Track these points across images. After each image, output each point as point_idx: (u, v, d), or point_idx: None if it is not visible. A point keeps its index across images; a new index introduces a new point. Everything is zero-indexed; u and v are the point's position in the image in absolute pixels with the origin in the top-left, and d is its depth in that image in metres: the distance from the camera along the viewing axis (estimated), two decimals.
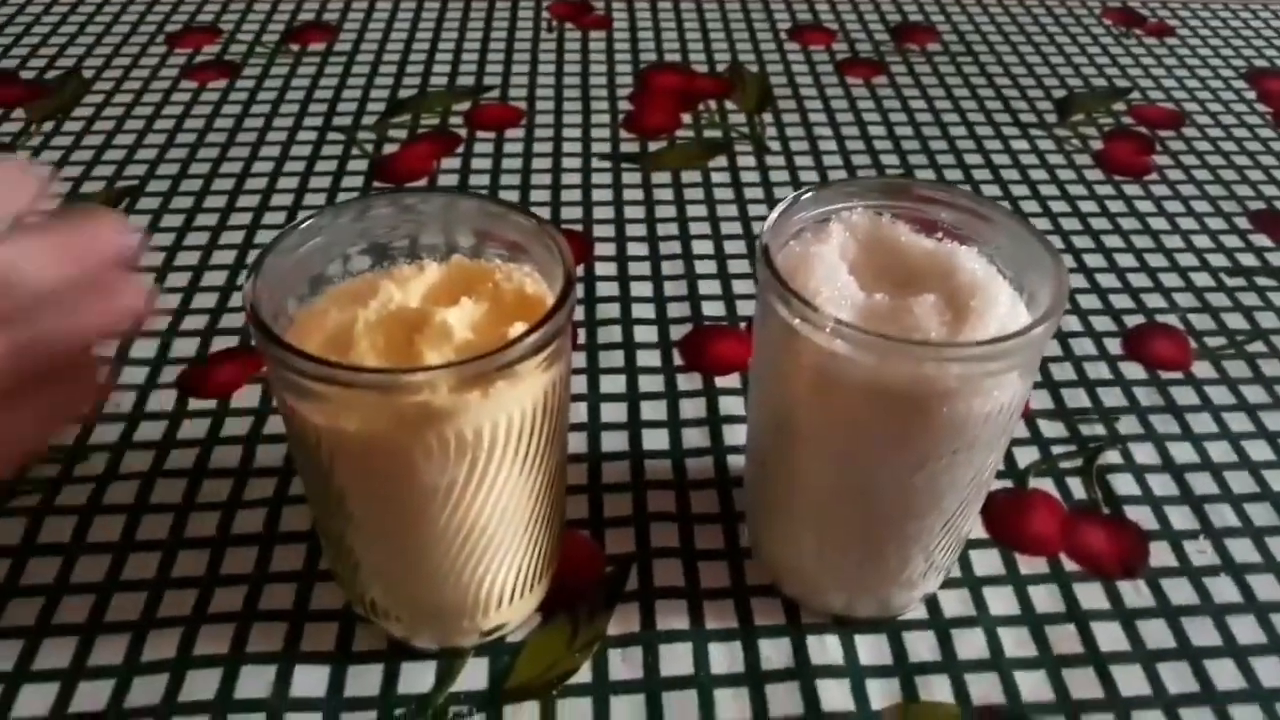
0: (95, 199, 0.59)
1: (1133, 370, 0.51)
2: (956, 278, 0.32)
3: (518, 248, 0.34)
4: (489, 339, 0.30)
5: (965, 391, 0.30)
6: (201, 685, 0.36)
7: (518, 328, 0.30)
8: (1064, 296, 0.31)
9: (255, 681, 0.36)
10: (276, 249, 0.32)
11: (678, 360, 0.50)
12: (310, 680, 0.36)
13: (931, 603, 0.39)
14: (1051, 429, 0.47)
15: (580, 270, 0.55)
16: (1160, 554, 0.42)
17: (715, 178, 0.63)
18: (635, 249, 0.57)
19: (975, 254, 0.34)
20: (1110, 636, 0.39)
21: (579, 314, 0.52)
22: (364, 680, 0.36)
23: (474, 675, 0.36)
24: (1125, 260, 0.58)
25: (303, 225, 0.33)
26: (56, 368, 0.30)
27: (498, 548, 0.33)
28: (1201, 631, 0.39)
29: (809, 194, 0.34)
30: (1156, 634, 0.39)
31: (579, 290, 0.53)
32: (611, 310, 0.53)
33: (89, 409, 0.41)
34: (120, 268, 0.30)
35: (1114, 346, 0.52)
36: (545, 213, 0.59)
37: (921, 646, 0.38)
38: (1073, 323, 0.53)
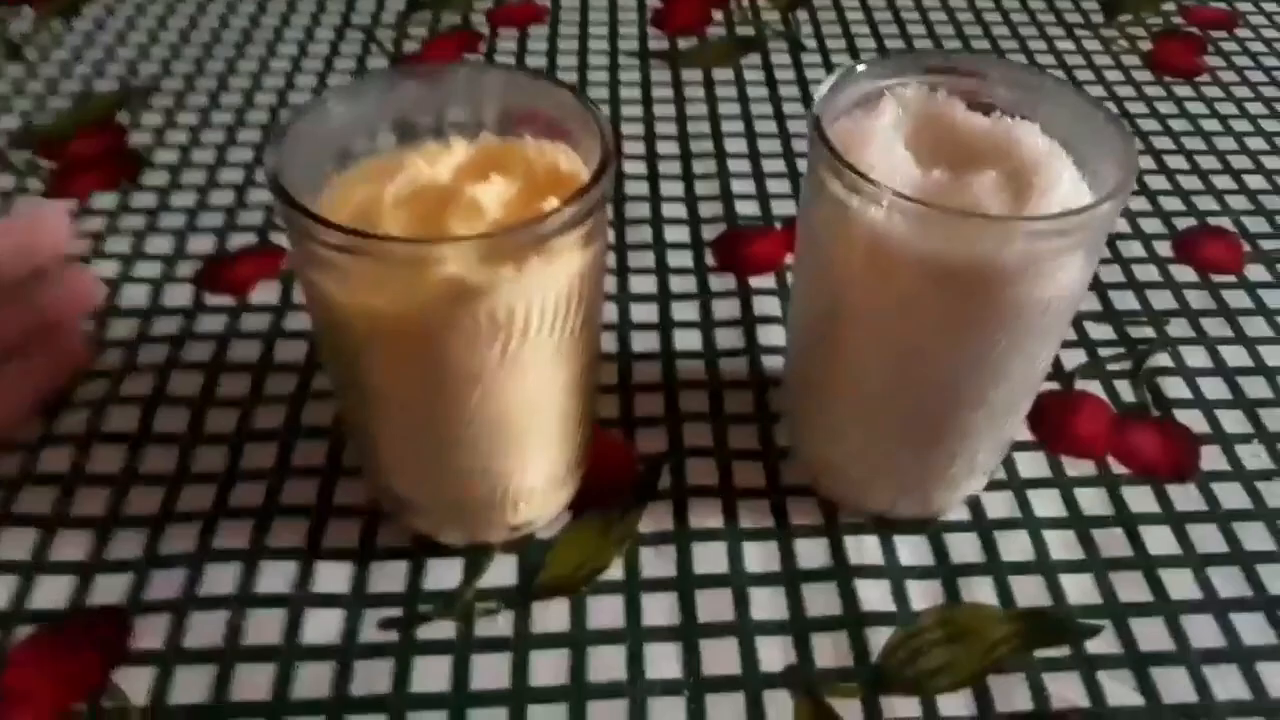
0: (109, 99, 0.58)
1: (1183, 273, 0.49)
2: (1017, 155, 0.30)
3: (552, 124, 0.33)
4: (523, 217, 0.28)
5: (1027, 272, 0.28)
6: (221, 579, 0.35)
7: (552, 201, 0.28)
8: (1133, 173, 0.29)
9: (276, 577, 0.35)
10: (301, 118, 0.30)
11: (710, 261, 0.48)
12: (333, 576, 0.35)
13: (974, 504, 0.38)
14: (1099, 331, 0.45)
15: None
16: (1211, 457, 0.40)
17: (748, 75, 0.60)
18: (665, 148, 0.55)
19: (1036, 130, 0.32)
20: (1160, 540, 0.37)
21: (608, 213, 0.50)
22: (388, 576, 0.35)
23: (502, 571, 0.35)
24: (1175, 162, 0.55)
25: (329, 97, 0.31)
26: (22, 345, 0.34)
27: (528, 439, 0.32)
28: (1254, 536, 0.38)
29: (862, 68, 0.32)
30: (1208, 538, 0.38)
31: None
32: (641, 210, 0.51)
33: (64, 379, 0.41)
34: (62, 257, 0.35)
35: (1164, 249, 0.50)
36: None
37: (964, 548, 0.37)
38: (1121, 225, 0.51)
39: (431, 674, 0.33)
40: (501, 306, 0.28)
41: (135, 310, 0.44)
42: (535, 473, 0.34)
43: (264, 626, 0.34)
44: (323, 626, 0.34)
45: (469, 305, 0.27)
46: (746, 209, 0.51)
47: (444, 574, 0.35)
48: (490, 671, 0.33)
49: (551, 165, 0.31)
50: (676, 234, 0.50)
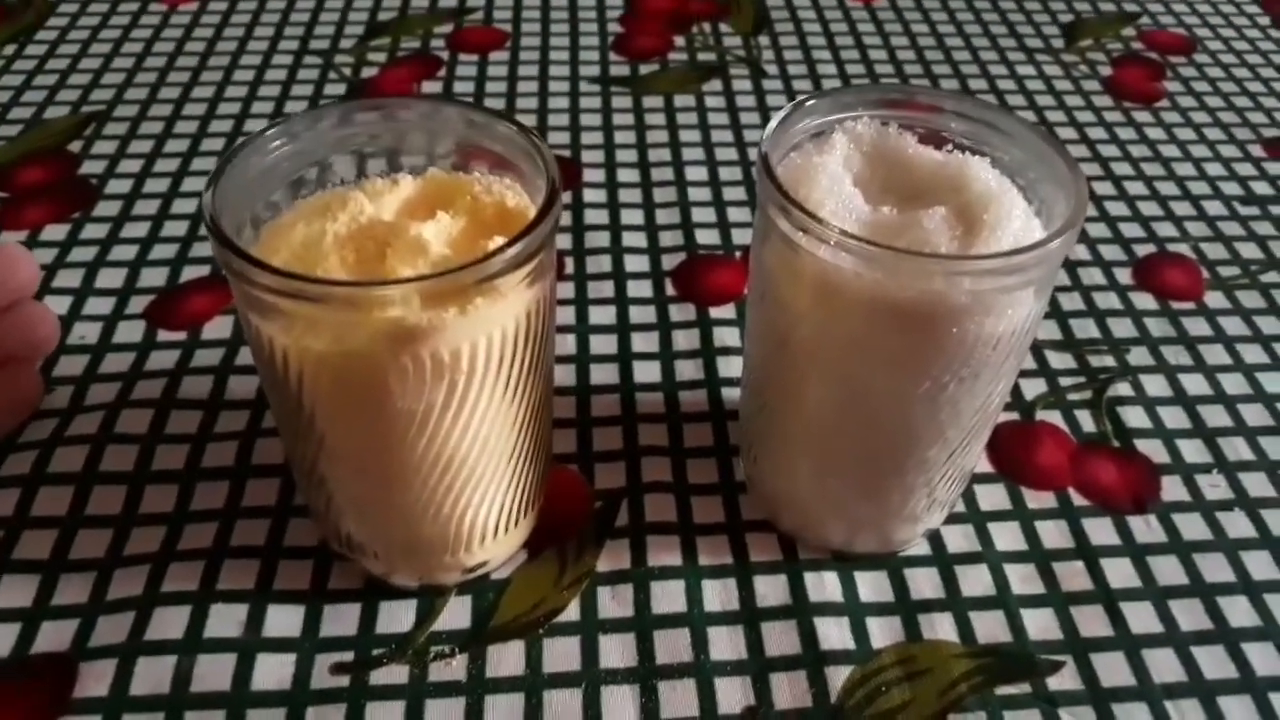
0: (60, 124, 0.57)
1: (1143, 300, 0.49)
2: (968, 190, 0.30)
3: (499, 160, 0.32)
4: (466, 255, 0.28)
5: (977, 310, 0.28)
6: (169, 624, 0.34)
7: (497, 240, 0.27)
8: (1083, 208, 0.29)
9: (226, 621, 0.34)
10: (238, 157, 0.29)
11: (670, 290, 0.48)
12: (284, 619, 0.34)
13: (935, 538, 0.38)
14: (1060, 360, 0.45)
15: (568, 197, 0.53)
16: (1172, 488, 0.40)
17: (709, 102, 0.60)
18: (626, 175, 0.55)
19: (987, 165, 0.31)
20: (1121, 573, 0.37)
21: (567, 243, 0.50)
22: (340, 619, 0.34)
23: (456, 614, 0.35)
24: (1135, 188, 0.56)
25: (266, 133, 0.30)
26: None
27: (479, 479, 0.32)
28: (1214, 567, 0.38)
29: (810, 102, 0.32)
30: (1168, 570, 0.37)
31: (566, 218, 0.51)
32: (601, 239, 0.51)
33: (16, 421, 0.40)
34: (24, 297, 0.33)
35: (1124, 276, 0.50)
36: None
37: (924, 583, 0.36)
38: (1081, 252, 0.51)
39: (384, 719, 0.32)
40: (445, 348, 0.27)
41: (84, 347, 0.44)
42: (488, 513, 0.33)
43: (213, 672, 0.33)
44: (273, 671, 0.33)
45: (411, 347, 0.27)
46: (707, 238, 0.51)
47: (397, 617, 0.35)
48: (444, 716, 0.32)
49: (498, 202, 0.31)
50: (636, 263, 0.49)
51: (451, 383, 0.28)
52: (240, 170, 0.29)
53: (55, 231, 0.50)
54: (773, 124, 0.31)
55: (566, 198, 0.52)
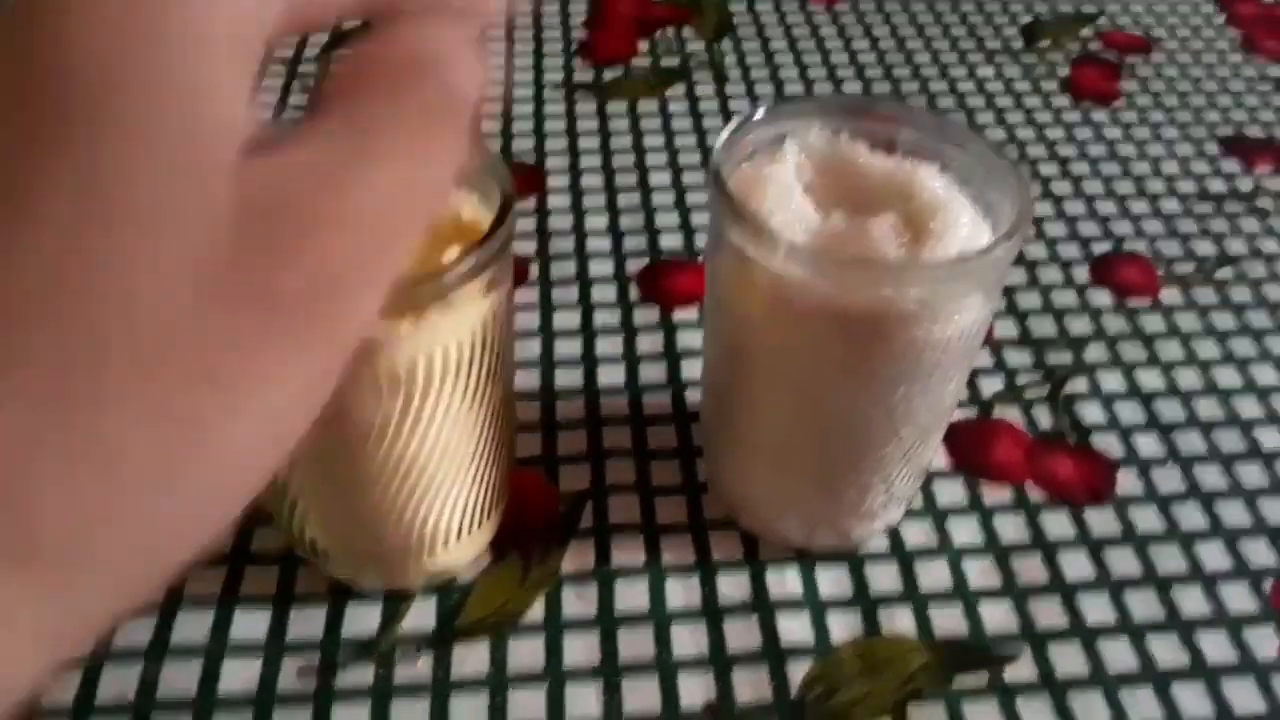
0: None
1: (1100, 298, 0.50)
2: (916, 198, 0.31)
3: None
4: (421, 267, 0.28)
5: (924, 316, 0.29)
6: (134, 631, 0.34)
7: (450, 252, 0.28)
8: (1028, 214, 0.29)
9: (192, 626, 0.34)
10: None
11: (634, 294, 0.48)
12: (250, 624, 0.35)
13: (893, 534, 0.39)
14: (1017, 357, 0.46)
15: (533, 203, 0.53)
16: (1127, 481, 0.41)
17: (673, 107, 0.61)
18: (590, 180, 0.55)
19: (935, 173, 0.32)
20: (1077, 565, 0.38)
21: (531, 248, 0.50)
22: (306, 623, 0.35)
23: (421, 616, 0.35)
24: (1092, 187, 0.57)
25: None
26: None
27: (439, 486, 0.32)
28: (1169, 559, 0.38)
29: (762, 113, 0.33)
30: (1124, 562, 0.38)
31: (531, 223, 0.51)
32: (566, 244, 0.51)
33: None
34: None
35: (1081, 274, 0.51)
36: (495, 145, 0.57)
37: (883, 578, 0.37)
38: (1039, 250, 0.52)
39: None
40: (401, 361, 0.27)
41: None
42: (450, 517, 0.33)
43: (179, 677, 0.33)
44: (240, 675, 0.33)
45: (366, 361, 0.27)
46: (670, 242, 0.51)
47: (363, 619, 0.35)
48: (410, 716, 0.33)
49: (453, 214, 0.31)
50: (601, 267, 0.50)
51: (407, 395, 0.28)
52: None
53: None
54: (724, 135, 0.31)
55: (531, 203, 0.53)
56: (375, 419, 0.28)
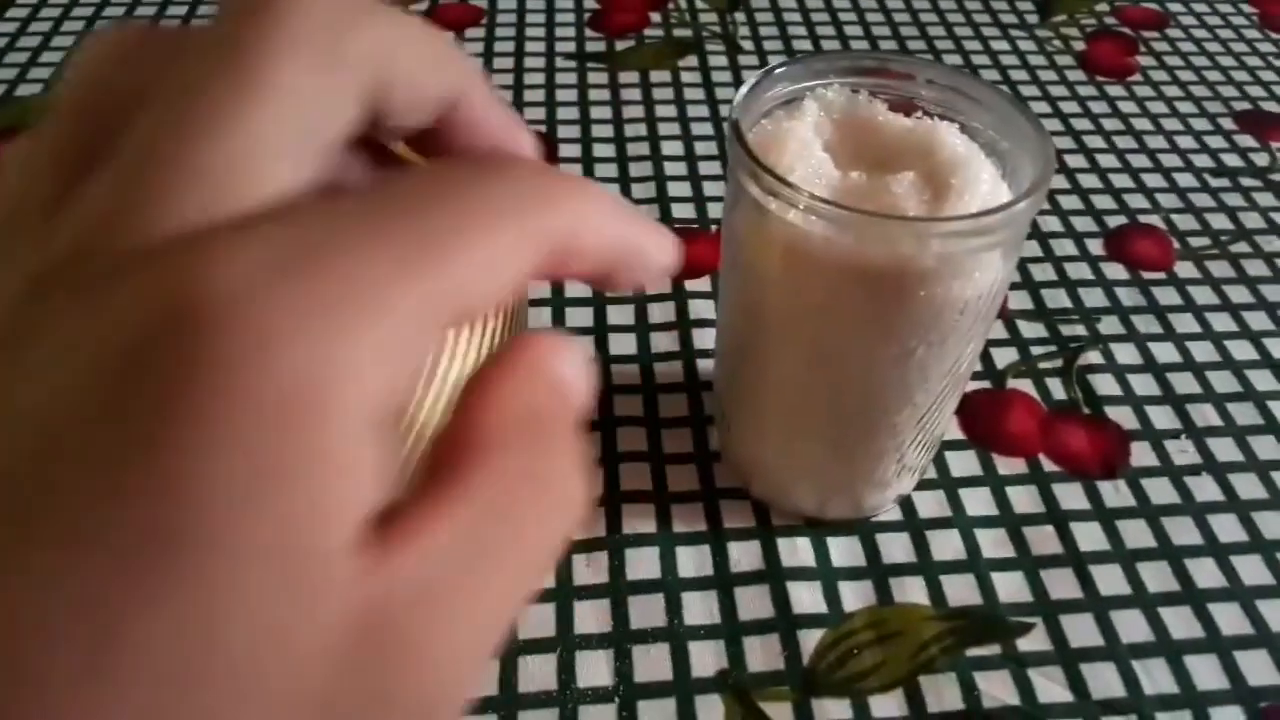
0: (31, 103, 0.56)
1: (1114, 270, 0.49)
2: (936, 155, 0.30)
3: None
4: None
5: (945, 272, 0.28)
6: None
7: None
8: (1050, 171, 0.29)
9: None
10: None
11: None
12: None
13: (906, 504, 0.38)
14: (1031, 329, 0.46)
15: None
16: (1141, 454, 0.41)
17: (685, 78, 0.60)
18: (601, 150, 0.55)
19: (956, 131, 0.32)
20: (1090, 537, 0.38)
21: None
22: None
23: None
24: (1107, 161, 0.56)
25: None
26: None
27: None
28: (1182, 531, 0.38)
29: (781, 69, 0.32)
30: (1137, 534, 0.38)
31: None
32: None
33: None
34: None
35: (1095, 247, 0.50)
36: None
37: (895, 548, 0.37)
38: (1053, 223, 0.52)
39: None
40: None
41: None
42: None
43: None
44: None
45: None
46: (682, 212, 0.51)
47: None
48: None
49: None
50: None
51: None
52: None
53: None
54: (743, 90, 0.31)
55: None
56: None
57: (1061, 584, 0.36)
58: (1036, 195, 0.28)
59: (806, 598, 0.35)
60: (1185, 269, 0.49)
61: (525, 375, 0.18)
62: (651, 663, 0.33)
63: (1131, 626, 0.35)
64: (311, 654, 0.14)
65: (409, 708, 0.15)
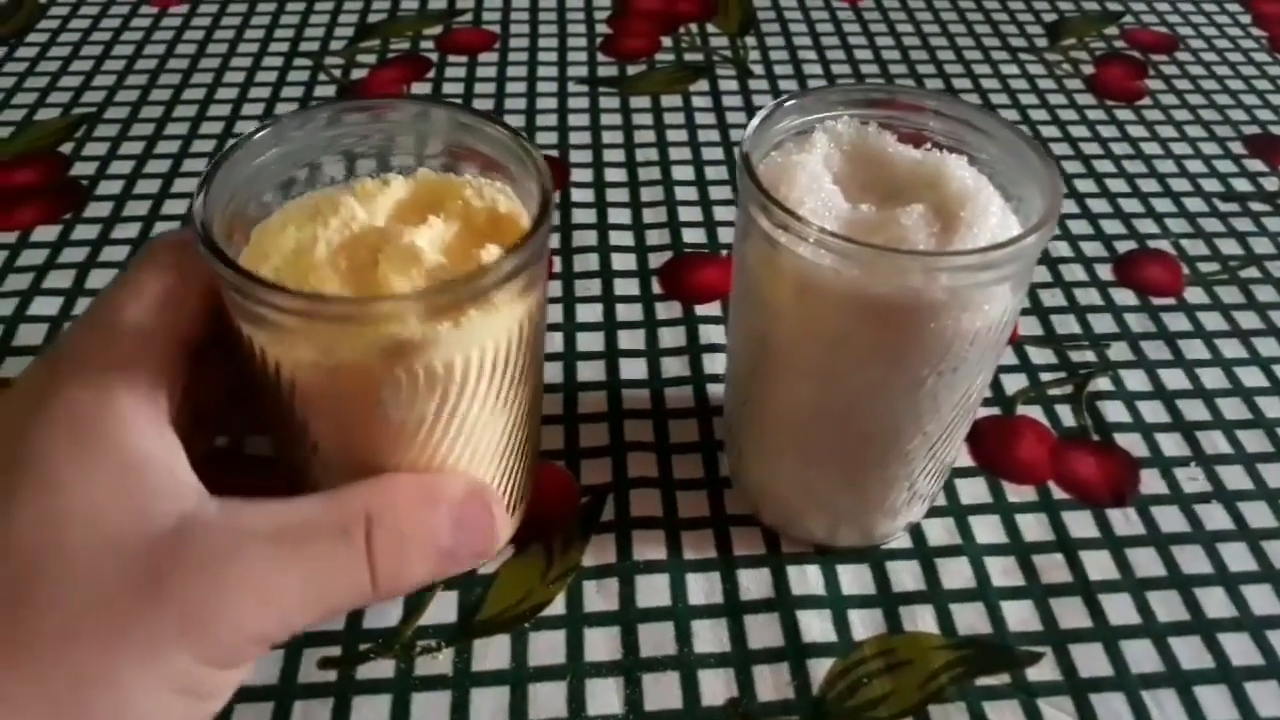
0: (51, 126, 0.57)
1: (1124, 296, 0.49)
2: (945, 188, 0.31)
3: (491, 163, 0.32)
4: (460, 262, 0.28)
5: (954, 305, 0.28)
6: None
7: (491, 251, 0.28)
8: (1058, 204, 0.29)
9: None
10: (228, 161, 0.29)
11: (656, 289, 0.48)
12: None
13: (915, 532, 0.38)
14: (1040, 355, 0.46)
15: (556, 197, 0.53)
16: (1151, 481, 0.41)
17: (696, 102, 0.61)
18: (613, 175, 0.55)
19: (964, 163, 0.32)
20: (1099, 565, 0.38)
21: (555, 242, 0.50)
22: None
23: (443, 609, 0.35)
24: (1117, 185, 0.56)
25: (256, 136, 0.30)
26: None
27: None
28: (1192, 560, 0.38)
29: (792, 101, 0.32)
30: (1146, 562, 0.38)
31: (554, 217, 0.51)
32: (588, 238, 0.51)
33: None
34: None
35: (1104, 272, 0.51)
36: None
37: (905, 576, 0.37)
38: (1063, 248, 0.52)
39: (371, 713, 0.32)
40: (439, 360, 0.27)
41: None
42: None
43: None
44: (261, 667, 0.33)
45: (405, 359, 0.27)
46: (693, 236, 0.51)
47: (384, 611, 0.35)
48: (430, 710, 0.33)
49: (490, 206, 0.31)
50: (623, 262, 0.50)
51: (444, 393, 0.28)
52: (230, 174, 0.29)
53: (46, 233, 0.50)
54: (754, 123, 0.31)
55: (554, 197, 0.53)
56: (410, 417, 0.28)
57: (1071, 613, 0.36)
58: (1045, 229, 0.28)
59: (816, 626, 0.35)
60: (1195, 294, 0.50)
61: (445, 505, 0.29)
62: (662, 691, 0.33)
63: (1141, 656, 0.35)
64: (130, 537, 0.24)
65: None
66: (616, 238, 0.51)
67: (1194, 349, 0.47)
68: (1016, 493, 0.40)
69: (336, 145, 0.32)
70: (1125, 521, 0.39)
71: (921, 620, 0.36)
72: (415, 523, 0.28)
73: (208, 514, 0.25)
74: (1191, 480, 0.41)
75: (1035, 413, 0.43)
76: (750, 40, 0.67)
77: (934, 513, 0.39)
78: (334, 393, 0.28)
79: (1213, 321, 0.48)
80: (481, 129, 0.32)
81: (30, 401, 0.26)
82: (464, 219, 0.31)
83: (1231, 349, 0.47)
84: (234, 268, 0.26)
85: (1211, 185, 0.56)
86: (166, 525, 0.25)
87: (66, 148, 0.56)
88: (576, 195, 0.53)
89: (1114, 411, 0.43)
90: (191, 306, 0.28)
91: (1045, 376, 0.45)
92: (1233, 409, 0.44)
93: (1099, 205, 0.55)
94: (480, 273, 0.27)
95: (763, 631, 0.35)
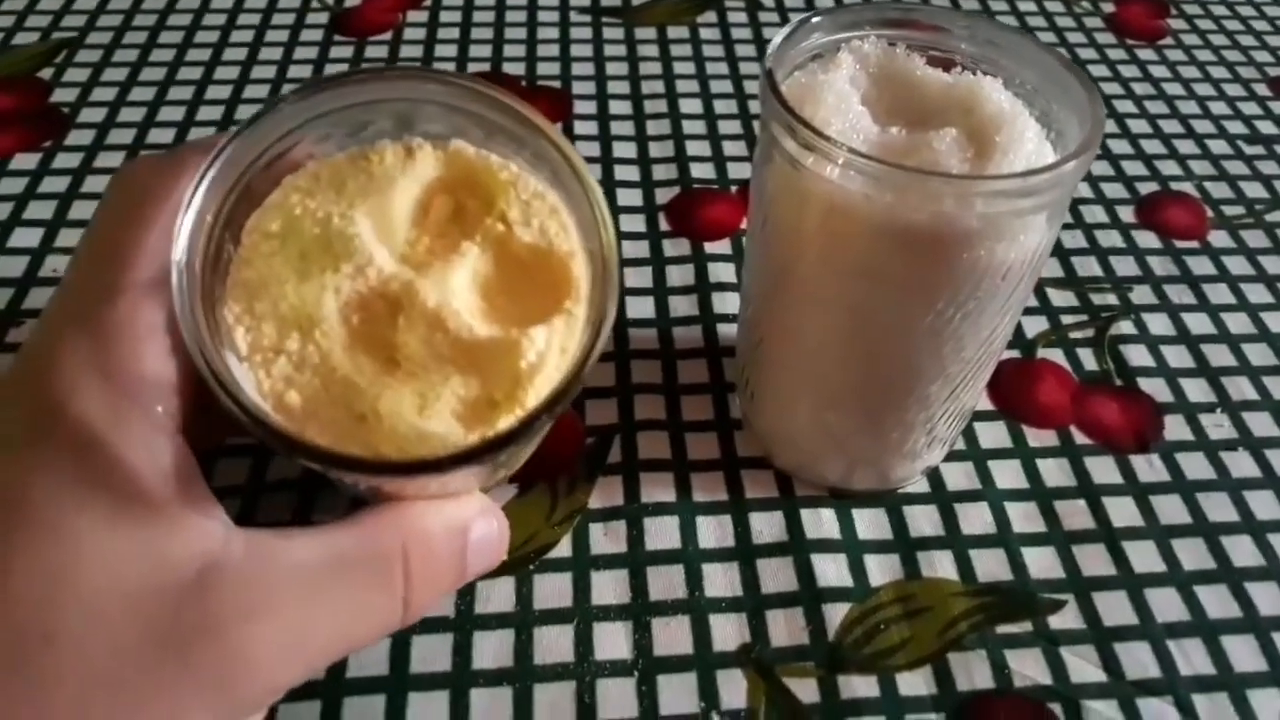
0: (29, 50, 0.55)
1: (1146, 239, 0.48)
2: (979, 112, 0.29)
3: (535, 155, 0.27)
4: (496, 315, 0.25)
5: (988, 234, 0.27)
6: None
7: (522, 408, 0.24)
8: (1100, 130, 0.27)
9: None
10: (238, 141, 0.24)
11: (664, 225, 0.47)
12: None
13: (934, 476, 0.37)
14: (1061, 298, 0.44)
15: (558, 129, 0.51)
16: (1175, 427, 0.39)
17: (704, 34, 0.59)
18: (618, 108, 0.53)
19: (999, 85, 0.30)
20: (1123, 512, 0.37)
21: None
22: None
23: None
24: (1138, 126, 0.54)
25: (267, 112, 0.25)
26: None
27: None
28: (1218, 507, 0.37)
29: (817, 18, 0.31)
30: (1171, 510, 0.37)
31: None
32: (593, 172, 0.49)
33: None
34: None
35: (1126, 214, 0.49)
36: (519, 69, 0.55)
37: (923, 521, 0.36)
38: (1084, 189, 0.50)
39: (370, 658, 0.31)
40: None
41: (57, 280, 0.42)
42: None
43: None
44: None
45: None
46: (701, 171, 0.49)
47: None
48: (431, 653, 0.31)
49: (535, 243, 0.26)
50: (629, 197, 0.48)
51: None
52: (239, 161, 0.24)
53: (26, 160, 0.48)
54: (777, 39, 0.29)
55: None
56: None
57: (1094, 560, 0.35)
58: (1086, 155, 0.27)
59: (831, 571, 0.34)
60: (1219, 238, 0.48)
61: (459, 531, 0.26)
62: (671, 636, 0.32)
63: (1166, 605, 0.34)
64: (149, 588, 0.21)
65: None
66: (622, 172, 0.49)
67: (1219, 293, 0.45)
68: (1037, 437, 0.39)
69: (351, 119, 0.26)
70: (1149, 468, 0.38)
71: (940, 566, 0.35)
72: (449, 552, 0.25)
73: (233, 557, 0.22)
74: (1217, 427, 0.40)
75: (1056, 356, 0.42)
76: None
77: (953, 457, 0.38)
78: None
79: (1238, 266, 0.47)
80: (529, 135, 0.27)
81: (25, 416, 0.22)
82: (500, 247, 0.26)
83: (1258, 294, 0.45)
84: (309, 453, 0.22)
85: (1236, 127, 0.55)
86: (188, 576, 0.22)
87: (46, 73, 0.53)
88: (580, 128, 0.51)
89: (1137, 355, 0.42)
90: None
91: (1066, 319, 0.43)
92: (1259, 355, 0.42)
93: (1120, 146, 0.53)
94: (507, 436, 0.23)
95: (776, 576, 0.34)
